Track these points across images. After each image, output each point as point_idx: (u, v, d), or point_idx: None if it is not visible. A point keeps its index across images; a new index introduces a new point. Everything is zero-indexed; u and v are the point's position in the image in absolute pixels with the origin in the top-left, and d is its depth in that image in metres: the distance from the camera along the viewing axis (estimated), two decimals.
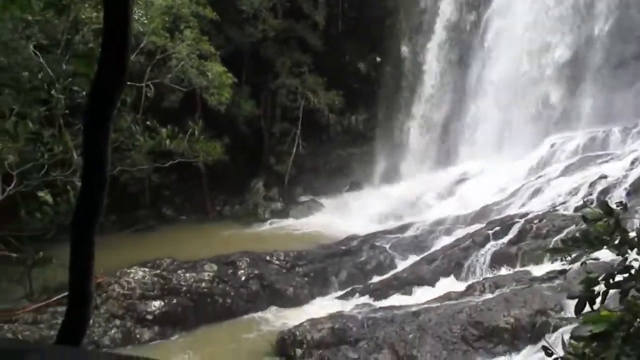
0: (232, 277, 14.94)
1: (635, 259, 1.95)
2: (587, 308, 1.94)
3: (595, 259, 1.97)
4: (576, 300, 1.90)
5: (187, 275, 14.63)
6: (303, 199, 22.72)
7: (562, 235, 13.70)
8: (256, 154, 23.34)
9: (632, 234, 1.99)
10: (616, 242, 1.95)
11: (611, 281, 1.90)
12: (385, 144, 23.35)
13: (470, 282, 13.91)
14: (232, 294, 14.60)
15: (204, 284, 14.48)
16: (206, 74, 16.62)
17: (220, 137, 19.12)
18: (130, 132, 12.86)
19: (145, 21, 14.19)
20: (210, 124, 18.92)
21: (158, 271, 14.71)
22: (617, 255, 1.97)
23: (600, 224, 1.94)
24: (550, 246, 13.13)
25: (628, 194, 14.13)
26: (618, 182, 15.26)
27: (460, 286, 13.86)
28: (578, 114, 18.70)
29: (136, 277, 14.10)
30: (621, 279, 1.90)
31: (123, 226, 18.74)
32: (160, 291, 14.09)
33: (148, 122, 13.35)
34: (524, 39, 19.61)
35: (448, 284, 14.34)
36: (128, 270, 14.29)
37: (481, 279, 13.84)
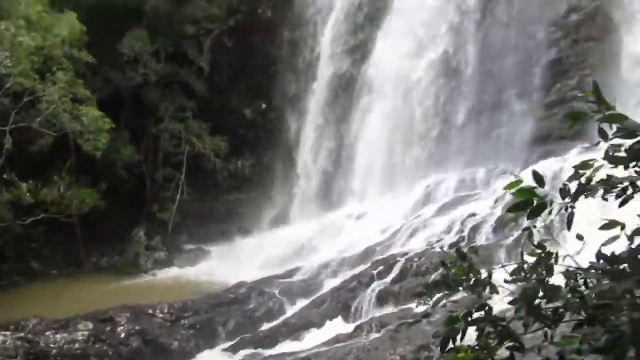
0: (110, 335, 13.83)
1: (489, 297, 2.12)
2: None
3: (454, 301, 2.12)
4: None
5: (58, 336, 13.30)
6: (188, 247, 21.93)
7: (439, 271, 14.53)
8: (137, 201, 22.27)
9: (484, 275, 2.17)
10: (471, 283, 2.12)
11: (469, 319, 2.04)
12: (273, 188, 23.49)
13: (358, 322, 14.15)
14: (110, 353, 13.48)
15: (77, 345, 13.23)
16: (81, 118, 15.73)
17: (97, 184, 18.03)
18: None
19: (10, 63, 13.20)
20: (86, 169, 17.82)
21: (22, 334, 13.21)
22: (473, 295, 2.12)
23: (457, 266, 2.10)
24: (430, 282, 13.86)
25: (494, 230, 15.40)
26: (485, 220, 16.63)
27: (349, 327, 14.05)
28: (449, 157, 20.27)
29: None
30: (478, 317, 2.05)
31: None
32: (24, 357, 12.63)
33: (5, 176, 12.22)
34: (399, 83, 21.06)
35: (337, 326, 14.47)
36: None
37: (368, 318, 14.15)
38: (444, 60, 20.16)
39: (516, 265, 2.17)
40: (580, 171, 2.11)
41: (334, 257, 17.98)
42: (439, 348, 2.13)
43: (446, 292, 2.08)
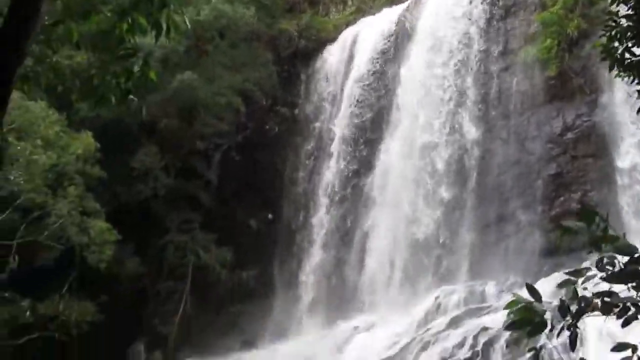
0: None
1: None
2: None
3: None
4: None
5: None
6: None
7: None
8: (137, 314, 21.68)
9: None
10: None
11: None
12: (278, 300, 22.89)
13: None
14: None
15: None
16: (88, 231, 15.85)
17: (97, 296, 17.68)
18: None
19: (22, 181, 13.57)
20: (88, 281, 17.58)
21: None
22: None
23: None
24: None
25: (507, 345, 14.72)
26: (499, 334, 15.92)
27: None
28: (457, 268, 19.89)
29: None
30: None
31: None
32: None
33: (7, 295, 12.05)
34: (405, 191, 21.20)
35: None
36: None
37: None
38: (447, 170, 20.50)
39: None
40: (572, 278, 2.06)
41: None
42: None
43: None
